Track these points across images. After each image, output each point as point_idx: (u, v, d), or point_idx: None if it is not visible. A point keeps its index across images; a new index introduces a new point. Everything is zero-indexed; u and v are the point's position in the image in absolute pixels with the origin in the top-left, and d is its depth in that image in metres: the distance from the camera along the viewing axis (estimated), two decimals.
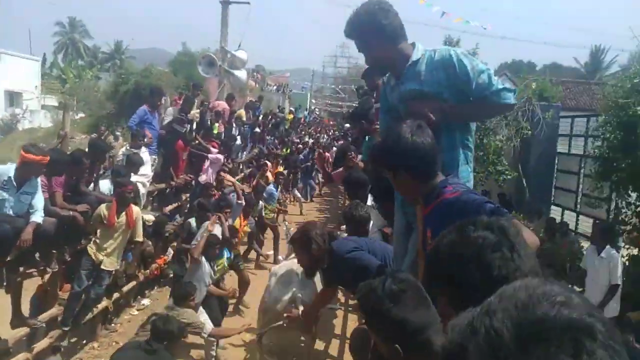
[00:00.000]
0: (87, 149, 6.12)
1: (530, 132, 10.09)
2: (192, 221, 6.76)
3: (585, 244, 8.79)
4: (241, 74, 15.10)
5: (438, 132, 2.22)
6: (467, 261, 0.94)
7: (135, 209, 5.91)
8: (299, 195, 14.20)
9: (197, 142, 9.17)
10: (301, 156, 16.40)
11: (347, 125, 16.84)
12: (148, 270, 7.13)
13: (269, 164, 11.89)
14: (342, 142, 11.29)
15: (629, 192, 6.44)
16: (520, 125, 10.09)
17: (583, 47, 39.41)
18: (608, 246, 6.00)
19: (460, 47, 14.50)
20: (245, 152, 12.70)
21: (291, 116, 22.21)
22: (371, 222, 3.92)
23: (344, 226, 4.42)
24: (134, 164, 6.74)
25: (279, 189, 10.73)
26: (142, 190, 7.30)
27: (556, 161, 10.91)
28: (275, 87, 37.55)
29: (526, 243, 0.99)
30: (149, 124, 7.83)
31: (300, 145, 17.10)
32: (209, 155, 8.88)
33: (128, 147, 7.34)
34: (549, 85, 11.91)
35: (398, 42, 2.31)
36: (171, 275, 7.13)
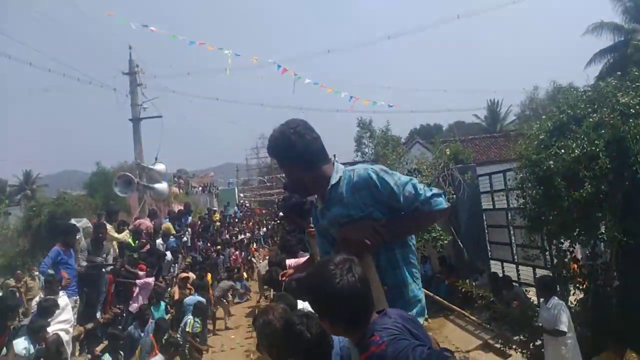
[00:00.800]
0: None
1: (454, 195, 10.41)
2: (106, 357, 6.08)
3: (529, 293, 8.98)
4: (162, 186, 14.76)
5: (376, 254, 2.10)
6: None
7: None
8: (224, 301, 13.29)
9: (123, 269, 8.56)
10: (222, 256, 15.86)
11: (281, 214, 16.58)
12: None
13: (191, 275, 11.22)
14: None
15: (561, 241, 6.62)
16: (443, 191, 10.41)
17: (482, 108, 42.89)
18: (555, 297, 6.04)
19: (372, 126, 15.13)
20: (177, 265, 12.03)
21: (217, 216, 21.76)
22: None
23: None
24: (47, 311, 6.06)
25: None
26: (66, 338, 6.56)
27: (484, 217, 11.26)
28: (200, 189, 37.07)
29: None
30: (65, 264, 7.18)
31: (219, 247, 16.43)
32: (137, 282, 8.26)
33: (42, 296, 6.62)
34: (460, 148, 12.56)
35: (317, 166, 2.22)
36: None
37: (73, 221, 9.82)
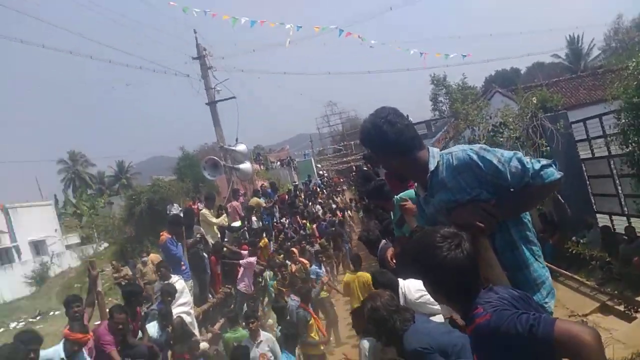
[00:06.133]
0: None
1: (547, 147, 9.83)
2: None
3: None
4: (246, 166, 15.30)
5: (490, 235, 2.01)
6: None
7: None
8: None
9: (226, 249, 9.08)
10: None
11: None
12: None
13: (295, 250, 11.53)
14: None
15: None
16: (535, 143, 9.85)
17: (561, 48, 39.99)
18: None
19: (447, 81, 14.46)
20: (271, 242, 12.52)
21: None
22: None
23: None
24: (167, 293, 6.61)
25: (322, 267, 10.19)
26: (188, 319, 7.11)
27: (584, 168, 10.53)
28: (279, 163, 37.97)
29: None
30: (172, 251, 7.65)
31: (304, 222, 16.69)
32: (241, 262, 8.74)
33: (160, 281, 7.20)
34: (548, 95, 11.75)
35: (411, 153, 2.18)
36: None
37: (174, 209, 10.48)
